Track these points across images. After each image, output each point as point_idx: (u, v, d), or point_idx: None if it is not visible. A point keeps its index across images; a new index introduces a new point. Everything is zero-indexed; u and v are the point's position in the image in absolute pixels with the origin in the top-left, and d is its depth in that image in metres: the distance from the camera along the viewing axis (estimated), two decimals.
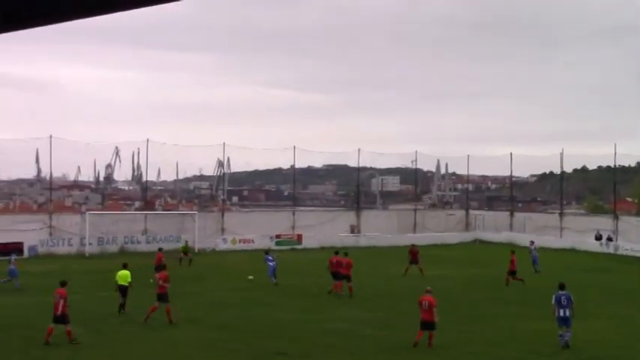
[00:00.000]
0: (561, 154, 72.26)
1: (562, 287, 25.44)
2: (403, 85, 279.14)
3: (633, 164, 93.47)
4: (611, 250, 62.92)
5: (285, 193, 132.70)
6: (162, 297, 28.30)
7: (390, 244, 61.07)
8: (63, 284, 25.00)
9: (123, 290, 30.50)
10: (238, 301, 33.33)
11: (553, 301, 25.11)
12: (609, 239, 65.11)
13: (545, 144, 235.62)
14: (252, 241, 58.43)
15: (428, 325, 24.51)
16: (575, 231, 68.93)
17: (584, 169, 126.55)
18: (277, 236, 60.49)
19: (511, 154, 75.09)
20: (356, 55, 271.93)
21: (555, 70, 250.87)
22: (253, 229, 59.89)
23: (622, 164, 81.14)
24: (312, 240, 60.70)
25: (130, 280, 30.79)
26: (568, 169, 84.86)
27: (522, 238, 66.06)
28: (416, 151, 76.34)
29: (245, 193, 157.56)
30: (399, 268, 45.58)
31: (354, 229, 68.09)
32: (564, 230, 70.01)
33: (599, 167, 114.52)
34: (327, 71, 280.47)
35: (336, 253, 37.48)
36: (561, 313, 24.83)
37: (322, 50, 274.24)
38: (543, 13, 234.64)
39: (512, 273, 39.99)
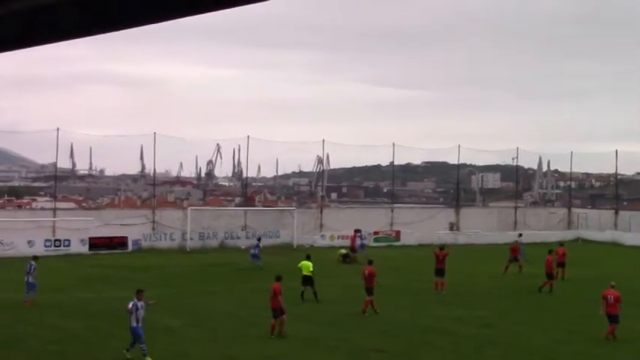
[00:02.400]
0: None
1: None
2: (504, 82, 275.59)
3: None
4: None
5: (384, 190, 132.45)
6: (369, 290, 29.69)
7: (490, 242, 60.28)
8: (278, 279, 26.05)
9: (306, 279, 32.27)
10: (340, 298, 33.37)
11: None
12: None
13: None
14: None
15: (614, 318, 25.56)
16: None
17: None
18: (375, 233, 60.39)
19: (616, 151, 73.26)
20: (459, 54, 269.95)
21: None
22: (351, 226, 59.78)
23: None
24: (410, 237, 60.45)
25: (312, 269, 32.63)
26: None
27: (627, 237, 64.45)
28: (517, 148, 75.15)
29: (344, 189, 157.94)
30: (498, 266, 44.96)
31: (453, 227, 67.48)
32: None
33: None
34: (429, 69, 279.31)
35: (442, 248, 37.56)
36: None
37: (425, 48, 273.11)
38: None
39: (548, 275, 37.91)
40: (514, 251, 44.23)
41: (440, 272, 35.77)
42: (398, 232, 61.44)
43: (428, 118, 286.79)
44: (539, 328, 27.65)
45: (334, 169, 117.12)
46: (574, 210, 77.24)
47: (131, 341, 21.69)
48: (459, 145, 69.65)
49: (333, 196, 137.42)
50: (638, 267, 43.84)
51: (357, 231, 51.88)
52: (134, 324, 21.60)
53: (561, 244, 44.63)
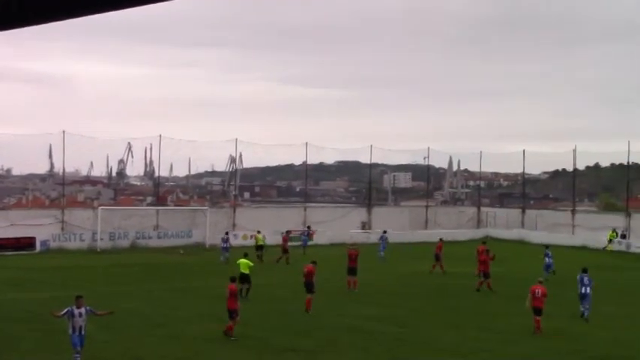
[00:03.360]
0: (574, 151, 71.98)
1: (585, 271, 30.60)
2: (416, 82, 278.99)
3: None
4: (623, 248, 62.66)
5: (297, 189, 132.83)
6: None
7: (401, 241, 60.89)
8: (233, 280, 25.99)
9: (244, 277, 32.45)
10: (250, 297, 33.28)
11: (578, 281, 30.25)
12: (623, 236, 64.87)
13: (557, 141, 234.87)
14: (264, 237, 58.36)
15: (539, 312, 26.88)
16: (587, 228, 68.59)
17: (596, 167, 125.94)
18: (288, 232, 60.32)
19: (524, 151, 74.90)
20: (369, 53, 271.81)
21: (569, 68, 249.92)
22: (264, 225, 59.73)
23: (635, 161, 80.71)
24: (322, 236, 60.61)
25: (251, 265, 33.69)
26: (581, 167, 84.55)
27: (534, 236, 66.00)
28: (428, 148, 76.13)
29: (257, 189, 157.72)
30: (410, 265, 45.54)
31: (365, 226, 67.98)
32: (576, 228, 69.71)
33: (612, 165, 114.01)
34: (340, 68, 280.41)
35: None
36: (583, 290, 29.87)
37: (336, 47, 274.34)
38: (558, 10, 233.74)
39: (485, 274, 38.60)
40: (438, 249, 44.95)
41: (352, 271, 36.03)
42: (311, 232, 61.50)
43: (341, 118, 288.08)
44: (450, 326, 28.02)
45: (247, 169, 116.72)
46: (483, 209, 78.72)
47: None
48: (371, 145, 70.29)
49: (246, 195, 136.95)
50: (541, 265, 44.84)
51: (287, 232, 52.02)
52: (69, 332, 20.48)
53: (484, 242, 45.61)
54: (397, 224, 67.94)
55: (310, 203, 77.78)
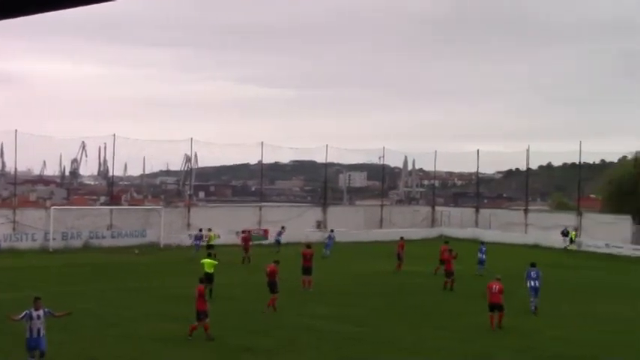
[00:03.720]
0: (527, 151, 72.74)
1: (533, 265, 32.41)
2: (372, 82, 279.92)
3: (598, 161, 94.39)
4: (574, 247, 63.49)
5: (252, 189, 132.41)
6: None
7: (357, 240, 61.09)
8: (202, 281, 25.88)
9: (208, 277, 31.85)
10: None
11: (525, 276, 31.83)
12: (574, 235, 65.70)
13: (511, 141, 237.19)
14: (218, 236, 58.16)
15: (497, 307, 27.54)
16: (539, 227, 69.42)
17: (549, 166, 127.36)
18: (243, 231, 60.23)
19: (478, 151, 75.51)
20: (326, 52, 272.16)
21: (523, 68, 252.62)
22: (219, 225, 59.51)
23: (587, 161, 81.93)
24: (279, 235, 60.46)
25: (215, 264, 33.43)
26: (533, 166, 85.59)
27: (487, 235, 66.51)
28: (383, 148, 76.45)
29: (212, 188, 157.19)
30: (365, 264, 45.66)
31: (321, 225, 68.04)
32: (529, 226, 70.49)
33: (564, 164, 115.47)
34: (297, 68, 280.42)
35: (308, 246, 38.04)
36: (531, 284, 31.28)
37: (292, 47, 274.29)
38: (513, 11, 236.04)
39: (448, 273, 38.86)
40: (400, 248, 45.12)
41: (307, 270, 36.07)
42: (266, 231, 61.39)
43: (297, 117, 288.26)
44: (408, 325, 28.17)
45: (202, 168, 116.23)
46: (437, 208, 79.17)
47: (37, 354, 20.08)
48: (327, 145, 70.36)
49: (201, 194, 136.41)
50: (496, 262, 45.21)
51: (244, 231, 51.85)
52: (27, 335, 19.89)
53: (446, 242, 45.98)
54: (352, 223, 68.10)
55: (265, 203, 77.61)
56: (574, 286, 41.55)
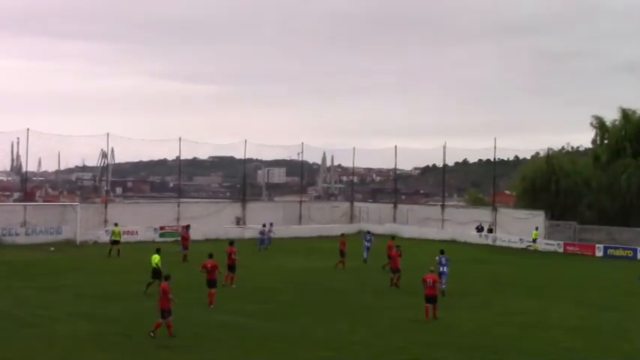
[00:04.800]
0: (444, 147, 73.72)
1: (442, 252, 36.48)
2: (292, 78, 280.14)
3: (512, 158, 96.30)
4: (489, 242, 64.77)
5: (171, 185, 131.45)
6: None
7: (275, 236, 61.09)
8: (167, 278, 25.23)
9: (155, 272, 32.81)
10: (122, 294, 32.78)
11: (437, 262, 34.88)
12: (489, 230, 67.01)
13: (428, 138, 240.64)
14: (136, 232, 57.51)
15: (432, 299, 28.50)
16: (455, 223, 70.60)
17: (465, 163, 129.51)
18: (161, 228, 59.75)
19: (395, 147, 76.18)
20: (245, 48, 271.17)
21: (440, 66, 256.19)
22: (137, 221, 58.91)
23: (501, 158, 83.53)
24: (196, 232, 59.63)
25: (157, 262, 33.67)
26: (450, 163, 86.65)
27: (405, 230, 67.40)
28: (302, 144, 76.56)
29: (129, 184, 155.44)
30: (284, 260, 45.65)
31: (240, 221, 67.85)
32: (445, 222, 71.58)
33: (480, 161, 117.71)
34: (216, 63, 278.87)
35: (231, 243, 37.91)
36: (440, 269, 34.37)
37: (212, 42, 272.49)
38: (431, 10, 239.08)
39: (394, 270, 39.27)
40: (342, 245, 45.29)
41: (230, 268, 35.96)
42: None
43: (216, 113, 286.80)
44: (324, 320, 28.30)
45: (119, 164, 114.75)
46: (356, 204, 79.66)
47: None
48: (246, 141, 70.12)
49: (119, 190, 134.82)
50: (414, 258, 45.83)
51: (186, 227, 51.07)
52: None
53: (393, 237, 46.36)
54: (271, 219, 67.86)
55: (184, 199, 77.08)
56: (489, 280, 42.37)
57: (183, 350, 22.76)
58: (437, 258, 35.73)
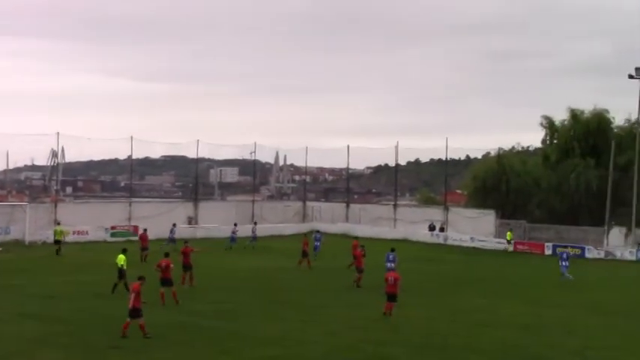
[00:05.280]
0: (396, 147, 74.14)
1: (393, 250, 39.21)
2: (245, 77, 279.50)
3: (463, 157, 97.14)
4: (441, 241, 65.28)
5: (122, 184, 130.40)
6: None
7: (228, 235, 60.87)
8: (140, 279, 25.00)
9: (121, 272, 32.83)
10: (72, 294, 32.40)
11: (385, 258, 38.01)
12: (441, 230, 67.52)
13: (381, 137, 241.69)
14: (87, 232, 56.96)
15: (392, 297, 29.01)
16: (407, 222, 71.04)
17: (417, 162, 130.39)
18: (112, 227, 59.20)
19: (348, 146, 76.44)
20: (198, 47, 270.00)
21: (393, 66, 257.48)
22: (88, 221, 58.35)
23: (453, 157, 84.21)
24: (148, 231, 59.32)
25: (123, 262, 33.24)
26: (402, 162, 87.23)
27: (358, 230, 67.61)
28: (255, 143, 76.37)
29: (80, 183, 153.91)
30: (237, 260, 45.45)
31: (192, 221, 67.50)
32: (398, 221, 71.98)
33: (432, 160, 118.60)
34: (168, 62, 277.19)
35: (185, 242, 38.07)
36: (388, 265, 37.02)
37: (166, 41, 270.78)
38: (386, 9, 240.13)
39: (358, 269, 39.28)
40: (305, 245, 45.30)
41: (187, 267, 35.73)
42: (136, 227, 60.33)
43: (169, 112, 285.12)
44: (277, 319, 28.28)
45: (70, 163, 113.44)
46: (308, 203, 79.83)
47: None
48: (198, 140, 69.79)
49: (69, 190, 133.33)
50: (367, 257, 46.06)
51: (145, 230, 50.48)
52: None
53: (356, 237, 46.43)
54: (224, 219, 67.80)
55: (135, 198, 76.46)
56: (441, 279, 42.70)
57: (132, 351, 22.54)
58: (385, 255, 38.51)
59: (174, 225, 55.08)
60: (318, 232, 51.28)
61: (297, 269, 43.46)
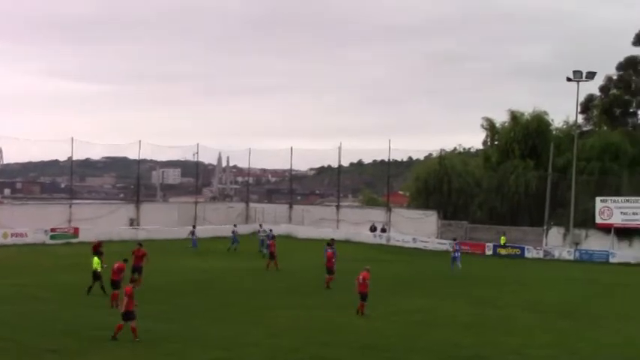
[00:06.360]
0: (339, 148, 74.35)
1: (329, 244, 41.13)
2: (187, 78, 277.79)
3: (406, 158, 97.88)
4: (383, 242, 65.61)
5: (62, 186, 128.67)
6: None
7: (170, 238, 60.50)
8: (132, 281, 25.04)
9: (95, 275, 32.33)
10: (9, 297, 31.82)
11: (324, 253, 39.06)
12: (383, 230, 67.86)
13: (324, 138, 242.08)
14: (26, 234, 56.00)
15: (362, 296, 29.72)
16: (350, 223, 71.28)
17: (360, 163, 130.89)
18: (52, 230, 58.30)
19: (291, 148, 76.47)
20: (140, 47, 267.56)
21: (336, 67, 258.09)
22: (27, 223, 57.35)
23: (395, 158, 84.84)
24: (89, 233, 58.51)
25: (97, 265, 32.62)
26: (345, 163, 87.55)
27: (301, 231, 67.69)
28: (197, 144, 75.94)
29: (18, 185, 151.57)
30: (179, 261, 45.19)
31: (134, 223, 66.87)
32: (340, 222, 72.18)
33: (375, 161, 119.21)
34: (110, 63, 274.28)
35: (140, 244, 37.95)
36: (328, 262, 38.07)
37: (105, 40, 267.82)
38: (325, 8, 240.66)
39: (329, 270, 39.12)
40: (272, 246, 45.32)
41: (138, 269, 35.40)
42: (76, 229, 59.58)
43: (109, 113, 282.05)
44: (220, 320, 28.11)
45: (8, 164, 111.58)
46: (252, 205, 79.66)
47: None
48: (140, 141, 69.19)
49: (7, 192, 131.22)
50: (311, 258, 46.16)
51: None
52: None
53: (331, 240, 46.07)
54: (166, 220, 67.34)
55: (76, 200, 75.53)
56: (383, 280, 42.73)
57: (70, 353, 22.16)
58: (324, 250, 40.46)
59: (193, 227, 58.45)
60: (271, 230, 51.35)
61: (242, 270, 43.34)
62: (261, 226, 57.41)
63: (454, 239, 53.63)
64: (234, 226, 59.33)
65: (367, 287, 29.85)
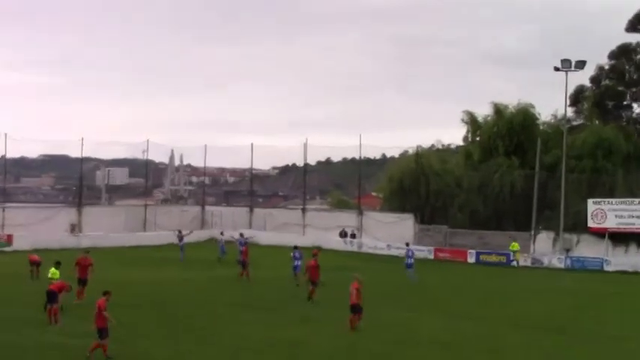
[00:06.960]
0: (305, 144, 74.24)
1: (296, 247, 44.49)
2: (135, 69, 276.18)
3: (379, 156, 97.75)
4: (355, 248, 65.54)
5: None
6: None
7: (116, 245, 60.09)
8: (105, 294, 24.91)
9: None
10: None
11: (291, 256, 43.28)
12: (352, 236, 67.77)
13: (288, 134, 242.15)
14: None
15: (355, 308, 30.11)
16: (318, 228, 71.03)
17: (328, 162, 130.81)
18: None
19: (252, 144, 76.32)
20: (81, 37, 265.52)
21: (297, 55, 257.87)
22: None
23: (367, 156, 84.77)
24: (24, 241, 57.99)
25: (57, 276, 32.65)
26: (312, 162, 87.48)
27: (263, 237, 67.38)
28: (147, 141, 75.32)
29: None
30: (125, 272, 44.84)
31: (75, 228, 66.28)
32: (307, 227, 71.95)
33: (344, 159, 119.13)
34: (45, 51, 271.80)
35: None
36: (295, 263, 42.88)
37: (42, 29, 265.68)
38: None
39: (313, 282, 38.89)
40: (244, 254, 45.38)
41: (83, 282, 34.98)
42: (10, 236, 58.89)
43: (49, 107, 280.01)
44: (168, 338, 27.82)
45: None
46: (208, 208, 79.36)
47: None
48: (83, 138, 68.61)
49: None
50: (276, 268, 46.04)
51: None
52: None
53: (317, 249, 45.87)
54: (112, 226, 66.86)
55: (9, 203, 74.86)
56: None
57: None
58: (291, 254, 43.57)
59: (180, 231, 57.63)
60: (245, 237, 51.02)
61: (198, 281, 43.11)
62: (222, 233, 57.08)
63: (407, 244, 53.21)
64: (222, 233, 59.34)
65: (360, 299, 30.00)
